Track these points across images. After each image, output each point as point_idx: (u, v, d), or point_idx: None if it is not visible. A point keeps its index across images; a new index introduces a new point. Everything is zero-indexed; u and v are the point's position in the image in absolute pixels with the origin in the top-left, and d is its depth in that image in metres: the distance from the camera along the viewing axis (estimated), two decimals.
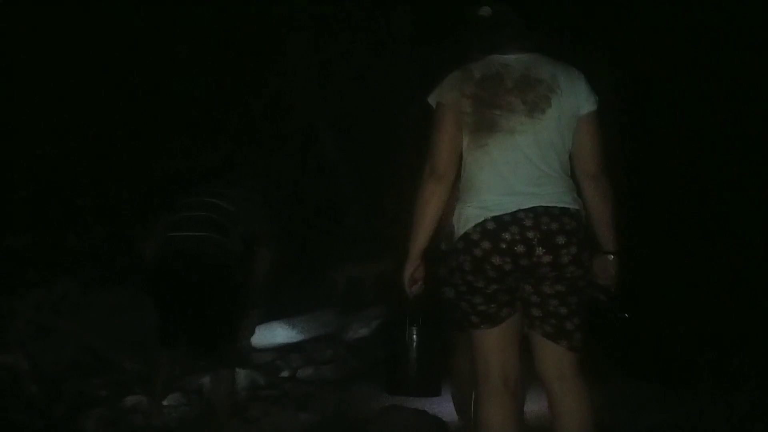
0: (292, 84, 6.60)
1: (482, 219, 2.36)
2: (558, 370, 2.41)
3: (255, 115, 6.23)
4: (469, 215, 2.40)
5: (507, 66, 2.46)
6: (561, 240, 2.34)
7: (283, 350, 5.51)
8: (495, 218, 2.35)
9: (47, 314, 4.50)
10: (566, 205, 2.40)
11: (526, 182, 2.38)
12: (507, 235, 2.33)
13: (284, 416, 4.02)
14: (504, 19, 2.52)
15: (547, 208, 2.36)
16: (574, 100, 2.44)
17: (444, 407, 3.79)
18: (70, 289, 4.69)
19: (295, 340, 5.56)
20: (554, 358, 2.42)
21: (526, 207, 2.35)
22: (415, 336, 4.25)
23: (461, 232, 2.42)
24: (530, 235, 2.32)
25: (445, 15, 6.66)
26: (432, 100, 2.51)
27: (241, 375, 4.34)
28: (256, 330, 5.30)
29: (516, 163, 2.39)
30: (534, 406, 3.17)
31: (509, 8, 2.55)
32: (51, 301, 4.57)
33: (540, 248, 2.32)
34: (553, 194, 2.39)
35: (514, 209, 2.35)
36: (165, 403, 4.06)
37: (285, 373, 5.35)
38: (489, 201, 2.39)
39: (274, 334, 6.09)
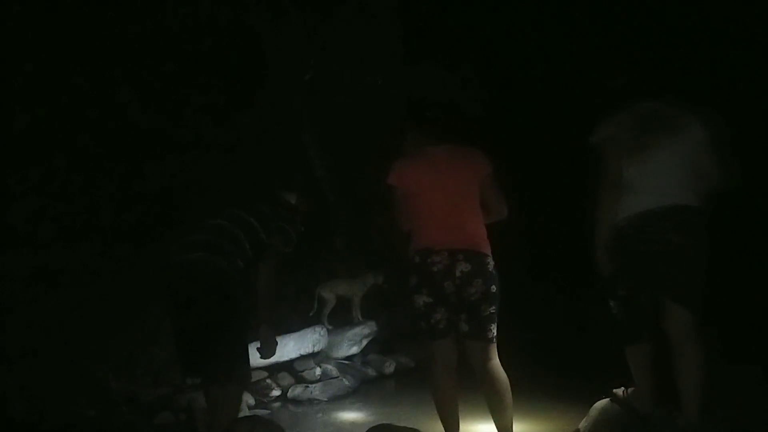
0: (280, 97, 6.60)
1: None
2: None
3: (242, 127, 6.21)
4: None
5: None
6: None
7: (273, 369, 5.47)
8: None
9: (35, 332, 4.46)
10: None
11: None
12: None
13: None
14: None
15: None
16: None
17: (435, 426, 3.77)
18: (58, 307, 4.65)
19: (284, 359, 5.52)
20: None
21: None
22: None
23: None
24: None
25: (433, 28, 6.74)
26: None
27: None
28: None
29: None
30: None
31: None
32: (39, 319, 4.53)
33: None
34: None
35: None
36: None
37: (275, 393, 5.31)
38: None
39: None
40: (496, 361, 3.41)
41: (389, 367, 6.16)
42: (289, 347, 5.58)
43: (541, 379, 4.88)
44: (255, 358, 3.97)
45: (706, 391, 3.19)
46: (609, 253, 3.37)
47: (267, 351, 3.73)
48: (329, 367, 5.71)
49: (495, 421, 3.42)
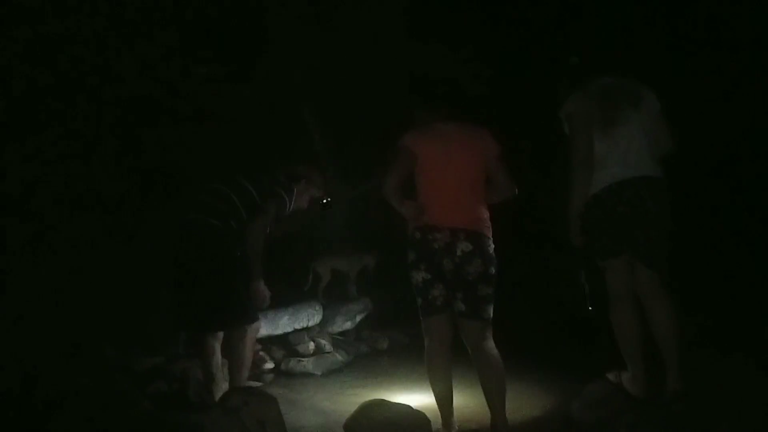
0: (280, 74, 6.55)
1: None
2: None
3: (242, 105, 6.17)
4: None
5: None
6: None
7: (266, 343, 5.48)
8: None
9: (29, 301, 4.46)
10: None
11: None
12: None
13: (265, 408, 3.99)
14: None
15: None
16: None
17: (428, 402, 3.79)
18: (52, 275, 4.65)
19: (278, 332, 5.53)
20: None
21: None
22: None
23: None
24: None
25: (435, 11, 6.67)
26: None
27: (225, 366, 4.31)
28: None
29: None
30: None
31: None
32: (33, 287, 4.53)
33: None
34: None
35: None
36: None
37: (268, 366, 5.33)
38: None
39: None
40: (490, 341, 3.44)
41: (383, 343, 6.17)
42: (284, 321, 5.59)
43: (533, 361, 4.91)
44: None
45: (681, 344, 3.46)
46: (583, 223, 3.55)
47: (258, 302, 4.09)
48: (323, 341, 5.72)
49: (487, 400, 3.44)
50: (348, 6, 6.49)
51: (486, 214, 3.50)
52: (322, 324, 5.94)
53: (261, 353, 5.35)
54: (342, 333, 6.13)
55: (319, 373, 5.34)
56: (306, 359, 5.46)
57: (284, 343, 5.62)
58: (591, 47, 4.30)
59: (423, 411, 3.66)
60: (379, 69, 6.36)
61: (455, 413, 3.64)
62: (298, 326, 5.70)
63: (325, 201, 4.50)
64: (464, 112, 3.61)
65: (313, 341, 5.68)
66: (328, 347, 5.70)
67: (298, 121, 6.91)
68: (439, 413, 3.62)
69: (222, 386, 4.15)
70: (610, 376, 3.76)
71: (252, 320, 4.09)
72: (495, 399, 3.41)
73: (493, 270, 3.43)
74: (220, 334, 4.20)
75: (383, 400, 3.81)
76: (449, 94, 3.72)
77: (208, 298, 3.92)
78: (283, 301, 5.52)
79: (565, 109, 3.62)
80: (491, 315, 3.45)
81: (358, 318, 6.27)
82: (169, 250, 4.06)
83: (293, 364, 5.41)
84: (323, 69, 6.56)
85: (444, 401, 3.58)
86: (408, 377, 5.07)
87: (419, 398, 4.28)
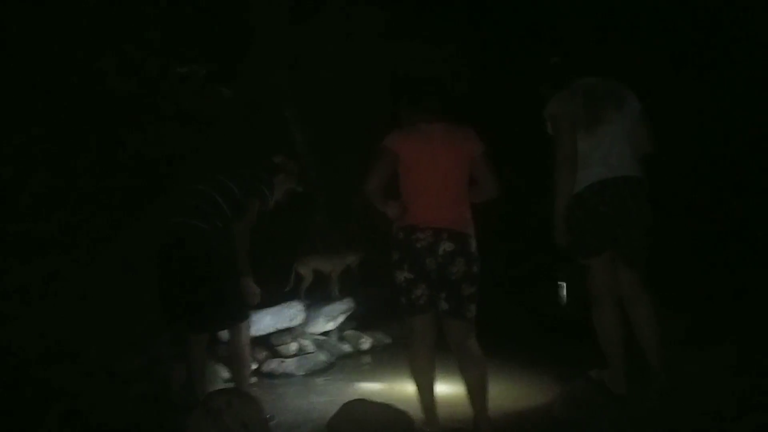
0: (264, 75, 6.54)
1: None
2: None
3: (225, 104, 6.16)
4: None
5: None
6: None
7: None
8: None
9: (12, 302, 4.42)
10: None
11: None
12: None
13: (247, 408, 3.97)
14: None
15: None
16: None
17: (410, 401, 3.79)
18: (36, 276, 4.61)
19: (260, 333, 5.51)
20: None
21: None
22: None
23: None
24: None
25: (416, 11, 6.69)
26: None
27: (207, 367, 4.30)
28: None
29: None
30: None
31: None
32: (16, 288, 4.49)
33: None
34: None
35: None
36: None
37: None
38: None
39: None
40: (473, 340, 3.45)
41: (365, 343, 6.17)
42: (266, 321, 5.57)
43: (516, 359, 4.93)
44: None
45: (662, 340, 3.53)
46: (567, 222, 3.57)
47: (250, 299, 4.11)
48: (305, 342, 5.71)
49: (470, 399, 3.45)
50: (330, 6, 6.49)
51: (469, 214, 3.51)
52: (305, 324, 5.93)
53: None
54: (325, 333, 6.12)
55: (302, 374, 5.33)
56: (288, 360, 5.45)
57: (266, 344, 5.60)
58: (573, 47, 4.35)
59: (406, 410, 3.67)
60: (361, 69, 6.37)
61: (438, 411, 3.65)
62: (280, 327, 5.69)
63: (299, 190, 4.58)
64: (447, 112, 3.61)
65: (296, 342, 5.67)
66: (310, 348, 5.69)
67: (280, 121, 6.89)
68: (422, 412, 3.63)
69: (206, 387, 4.13)
70: (592, 374, 3.78)
71: (245, 318, 4.14)
72: (477, 396, 3.43)
73: (476, 269, 3.44)
74: (206, 335, 4.19)
75: (366, 400, 3.81)
76: (432, 93, 3.71)
77: (200, 301, 3.92)
78: (266, 301, 5.50)
79: (549, 109, 3.64)
80: (474, 314, 3.46)
81: (341, 318, 6.27)
82: (156, 254, 4.03)
83: (276, 364, 5.39)
84: (305, 69, 6.56)
85: (427, 400, 3.59)
86: (391, 377, 5.08)
87: (402, 397, 4.29)
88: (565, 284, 3.82)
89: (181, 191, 4.24)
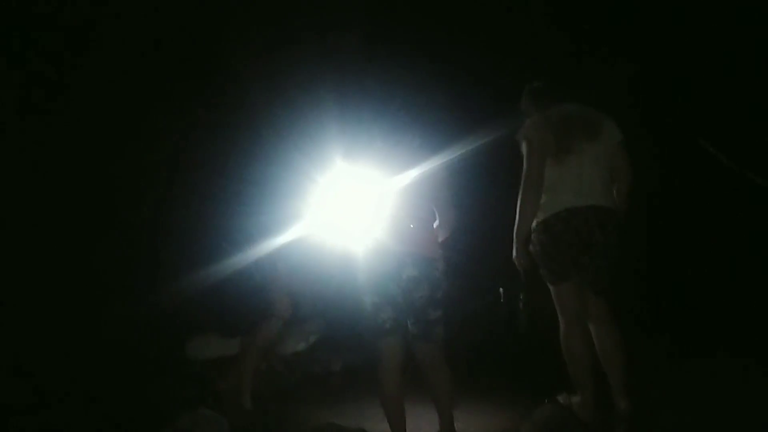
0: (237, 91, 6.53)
1: None
2: None
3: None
4: None
5: None
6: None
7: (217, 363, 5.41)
8: None
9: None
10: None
11: None
12: None
13: (214, 430, 3.95)
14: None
15: None
16: None
17: (383, 426, 3.78)
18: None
19: (229, 354, 5.46)
20: None
21: None
22: None
23: None
24: None
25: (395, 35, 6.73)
26: None
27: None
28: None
29: None
30: None
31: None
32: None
33: None
34: None
35: None
36: None
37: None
38: None
39: (209, 348, 6.06)
40: (442, 361, 3.47)
41: (336, 364, 6.14)
42: (235, 343, 5.52)
43: (484, 383, 4.94)
44: (201, 352, 4.25)
45: (628, 369, 3.56)
46: (532, 246, 3.65)
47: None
48: (275, 362, 5.67)
49: (439, 420, 3.46)
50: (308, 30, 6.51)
51: (433, 236, 3.53)
52: (275, 345, 5.87)
53: (213, 375, 5.28)
54: (295, 353, 6.08)
55: (270, 395, 5.29)
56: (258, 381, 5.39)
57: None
58: (555, 72, 4.38)
59: None
60: (334, 94, 6.38)
61: None
62: None
63: None
64: (421, 138, 3.64)
65: (265, 363, 5.62)
66: (280, 368, 5.64)
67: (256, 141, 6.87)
68: None
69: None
70: (560, 399, 3.80)
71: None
72: (445, 419, 3.45)
73: (440, 294, 3.46)
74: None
75: (335, 424, 3.80)
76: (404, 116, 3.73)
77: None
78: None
79: (523, 131, 3.68)
80: (442, 336, 3.48)
81: (312, 338, 6.23)
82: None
83: None
84: (282, 91, 6.56)
85: (396, 424, 3.59)
86: (361, 399, 5.05)
87: (372, 421, 4.27)
88: (526, 308, 3.87)
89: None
